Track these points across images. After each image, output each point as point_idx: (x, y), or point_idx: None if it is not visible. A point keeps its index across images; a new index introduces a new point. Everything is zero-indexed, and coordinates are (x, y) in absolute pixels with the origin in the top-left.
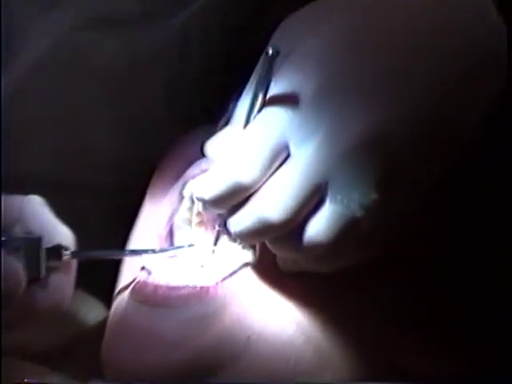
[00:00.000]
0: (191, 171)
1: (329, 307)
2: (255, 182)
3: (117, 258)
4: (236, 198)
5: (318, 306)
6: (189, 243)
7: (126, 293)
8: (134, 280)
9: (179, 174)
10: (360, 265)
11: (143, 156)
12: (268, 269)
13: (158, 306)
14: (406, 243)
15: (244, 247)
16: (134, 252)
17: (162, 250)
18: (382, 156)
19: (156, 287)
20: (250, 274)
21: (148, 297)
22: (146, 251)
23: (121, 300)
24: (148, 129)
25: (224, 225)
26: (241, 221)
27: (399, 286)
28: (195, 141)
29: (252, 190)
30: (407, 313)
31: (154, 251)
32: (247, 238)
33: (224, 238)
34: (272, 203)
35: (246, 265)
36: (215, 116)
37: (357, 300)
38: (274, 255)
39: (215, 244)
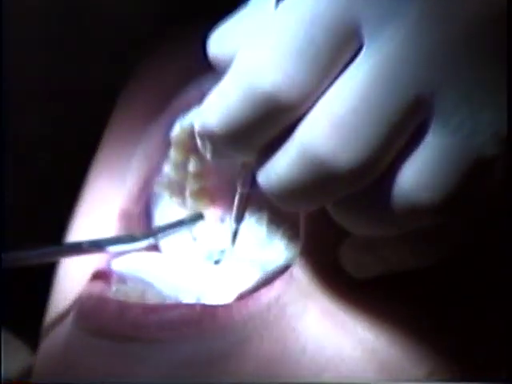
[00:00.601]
0: (184, 97)
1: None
2: (303, 97)
3: (58, 259)
4: (270, 128)
5: (411, 339)
6: (193, 214)
7: (68, 319)
8: (80, 298)
9: (161, 103)
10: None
11: (92, 78)
12: (324, 275)
13: (125, 339)
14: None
15: (284, 234)
16: (95, 245)
17: (148, 236)
18: None
19: (122, 307)
20: (291, 286)
21: (107, 324)
22: (116, 241)
23: (58, 332)
24: (105, 26)
25: (252, 184)
26: (280, 169)
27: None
28: (190, 43)
29: (298, 113)
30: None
31: (132, 239)
32: (291, 200)
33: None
34: (334, 136)
35: (286, 268)
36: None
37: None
38: (334, 249)
39: (238, 221)
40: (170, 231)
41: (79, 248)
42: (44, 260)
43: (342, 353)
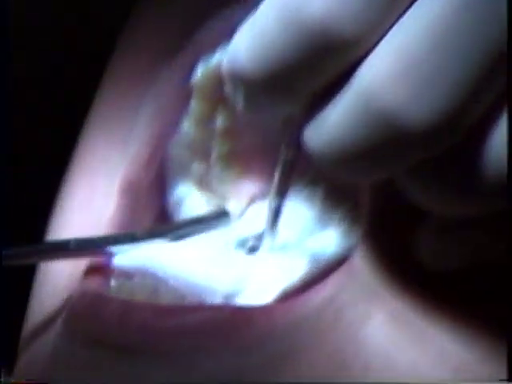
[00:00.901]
0: (208, 32)
1: None
2: (364, 29)
3: (35, 262)
4: (321, 70)
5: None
6: (216, 210)
7: (56, 325)
8: (71, 296)
9: (177, 41)
10: None
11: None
12: (394, 268)
13: (129, 350)
14: None
15: (343, 216)
16: (84, 246)
17: (152, 235)
18: None
19: (126, 308)
20: (350, 282)
21: (106, 330)
22: (111, 241)
23: (42, 341)
24: None
25: (298, 144)
26: (334, 126)
27: None
28: None
29: (358, 51)
30: None
31: (131, 239)
32: (347, 166)
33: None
34: (405, 82)
35: (344, 259)
36: None
37: None
38: (406, 234)
39: (280, 197)
40: (184, 232)
41: (64, 249)
42: (16, 264)
43: (419, 370)
